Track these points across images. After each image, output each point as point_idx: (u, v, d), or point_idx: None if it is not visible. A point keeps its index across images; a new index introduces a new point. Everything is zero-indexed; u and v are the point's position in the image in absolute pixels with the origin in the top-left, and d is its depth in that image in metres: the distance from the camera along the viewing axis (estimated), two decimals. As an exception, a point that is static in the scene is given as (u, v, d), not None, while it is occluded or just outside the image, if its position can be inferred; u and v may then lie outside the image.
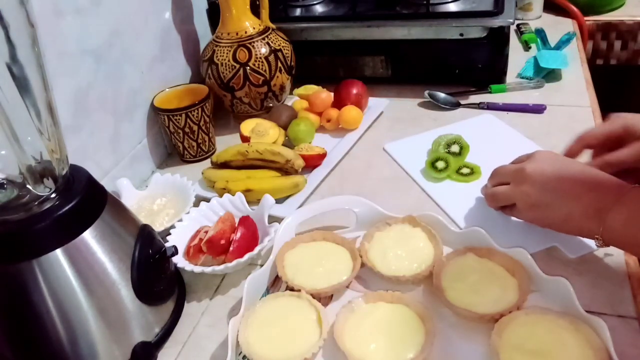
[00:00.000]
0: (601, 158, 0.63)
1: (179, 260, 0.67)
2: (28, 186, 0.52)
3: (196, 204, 0.75)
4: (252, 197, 0.76)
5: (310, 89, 1.00)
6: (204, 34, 1.06)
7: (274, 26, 0.97)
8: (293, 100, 1.02)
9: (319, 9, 1.06)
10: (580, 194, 0.57)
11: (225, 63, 0.92)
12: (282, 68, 0.95)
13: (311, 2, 1.08)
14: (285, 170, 0.82)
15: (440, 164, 0.79)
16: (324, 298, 0.63)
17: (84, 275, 0.53)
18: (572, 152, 0.67)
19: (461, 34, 0.94)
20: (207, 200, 0.76)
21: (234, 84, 0.93)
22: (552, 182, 0.59)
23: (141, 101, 0.89)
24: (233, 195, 0.75)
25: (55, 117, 0.51)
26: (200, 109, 0.88)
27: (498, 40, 0.94)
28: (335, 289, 0.62)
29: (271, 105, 0.97)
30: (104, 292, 0.54)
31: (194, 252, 0.67)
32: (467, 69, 0.99)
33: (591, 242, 0.63)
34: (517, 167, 0.63)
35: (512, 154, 0.69)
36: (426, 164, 0.80)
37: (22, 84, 0.47)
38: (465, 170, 0.79)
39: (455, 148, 0.82)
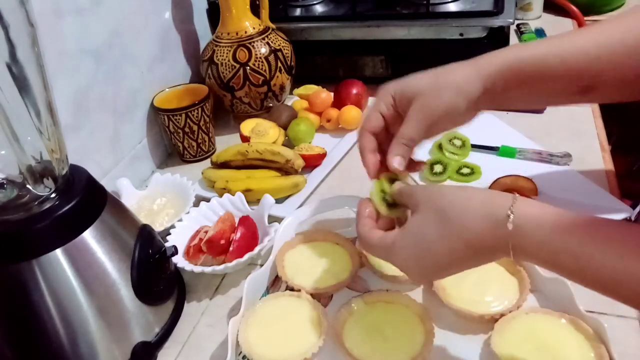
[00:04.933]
0: (394, 142, 0.53)
1: (179, 260, 0.67)
2: (28, 186, 0.52)
3: (196, 204, 0.75)
4: (252, 197, 0.76)
5: (310, 89, 1.00)
6: (204, 34, 1.06)
7: (274, 26, 0.97)
8: (293, 100, 1.02)
9: (319, 9, 1.06)
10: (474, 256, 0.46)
11: (225, 63, 0.92)
12: (282, 68, 0.95)
13: (311, 2, 1.08)
14: (285, 170, 0.82)
15: (437, 167, 0.79)
16: (324, 298, 0.63)
17: (83, 275, 0.53)
18: (365, 148, 0.56)
19: (461, 34, 0.94)
20: (207, 200, 0.76)
21: (234, 83, 0.93)
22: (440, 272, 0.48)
23: (141, 101, 0.89)
24: (233, 195, 0.75)
25: (55, 117, 0.51)
26: (200, 109, 0.88)
27: (498, 40, 0.94)
28: (335, 289, 0.62)
29: (271, 105, 0.97)
30: (104, 292, 0.54)
31: (194, 252, 0.67)
32: (467, 69, 0.99)
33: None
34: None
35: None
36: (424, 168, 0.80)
37: (22, 84, 0.47)
38: (465, 170, 0.79)
39: (457, 142, 0.82)
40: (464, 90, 0.52)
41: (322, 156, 0.85)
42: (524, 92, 0.54)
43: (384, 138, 0.56)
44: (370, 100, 0.97)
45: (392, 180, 0.54)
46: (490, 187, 0.74)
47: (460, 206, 0.46)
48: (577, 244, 0.41)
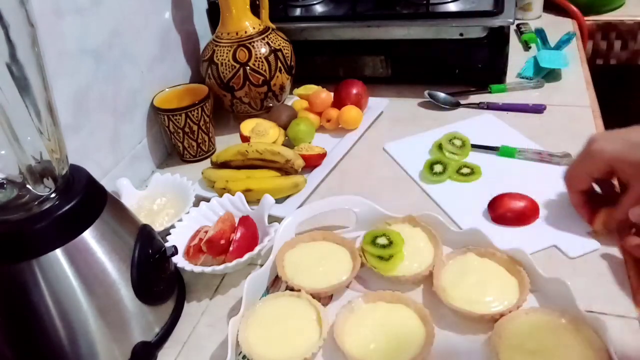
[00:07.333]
0: (616, 215, 0.61)
1: (179, 260, 0.67)
2: (28, 186, 0.52)
3: (196, 204, 0.75)
4: (252, 197, 0.76)
5: (310, 89, 1.00)
6: (204, 34, 1.06)
7: (274, 26, 0.97)
8: (293, 100, 1.02)
9: (319, 9, 1.06)
10: None
11: (225, 63, 0.92)
12: (282, 68, 0.95)
13: (311, 2, 1.08)
14: (285, 170, 0.82)
15: (437, 167, 0.79)
16: (324, 298, 0.63)
17: (84, 275, 0.53)
18: (577, 205, 0.65)
19: (461, 34, 0.94)
20: (207, 200, 0.76)
21: (234, 83, 0.93)
22: None
23: (141, 101, 0.89)
24: (233, 195, 0.75)
25: (55, 117, 0.51)
26: (200, 109, 0.88)
27: (498, 40, 0.94)
28: (335, 289, 0.62)
29: (271, 105, 0.97)
30: (103, 292, 0.54)
31: (194, 252, 0.67)
32: (467, 69, 0.99)
33: (591, 242, 0.64)
34: None
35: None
36: (424, 167, 0.80)
37: (22, 84, 0.47)
38: (465, 170, 0.79)
39: (457, 142, 0.83)
40: None
41: (322, 156, 0.85)
42: None
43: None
44: (371, 100, 0.97)
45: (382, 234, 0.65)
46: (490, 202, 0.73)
47: None
48: None
